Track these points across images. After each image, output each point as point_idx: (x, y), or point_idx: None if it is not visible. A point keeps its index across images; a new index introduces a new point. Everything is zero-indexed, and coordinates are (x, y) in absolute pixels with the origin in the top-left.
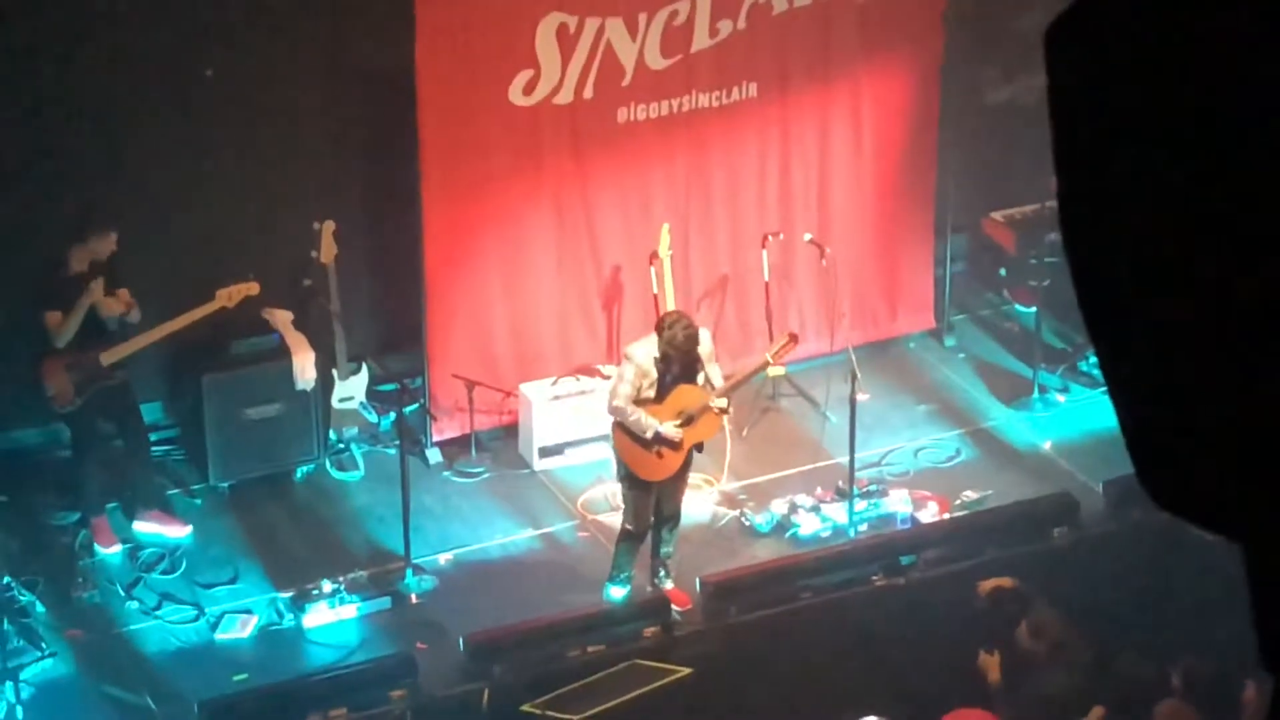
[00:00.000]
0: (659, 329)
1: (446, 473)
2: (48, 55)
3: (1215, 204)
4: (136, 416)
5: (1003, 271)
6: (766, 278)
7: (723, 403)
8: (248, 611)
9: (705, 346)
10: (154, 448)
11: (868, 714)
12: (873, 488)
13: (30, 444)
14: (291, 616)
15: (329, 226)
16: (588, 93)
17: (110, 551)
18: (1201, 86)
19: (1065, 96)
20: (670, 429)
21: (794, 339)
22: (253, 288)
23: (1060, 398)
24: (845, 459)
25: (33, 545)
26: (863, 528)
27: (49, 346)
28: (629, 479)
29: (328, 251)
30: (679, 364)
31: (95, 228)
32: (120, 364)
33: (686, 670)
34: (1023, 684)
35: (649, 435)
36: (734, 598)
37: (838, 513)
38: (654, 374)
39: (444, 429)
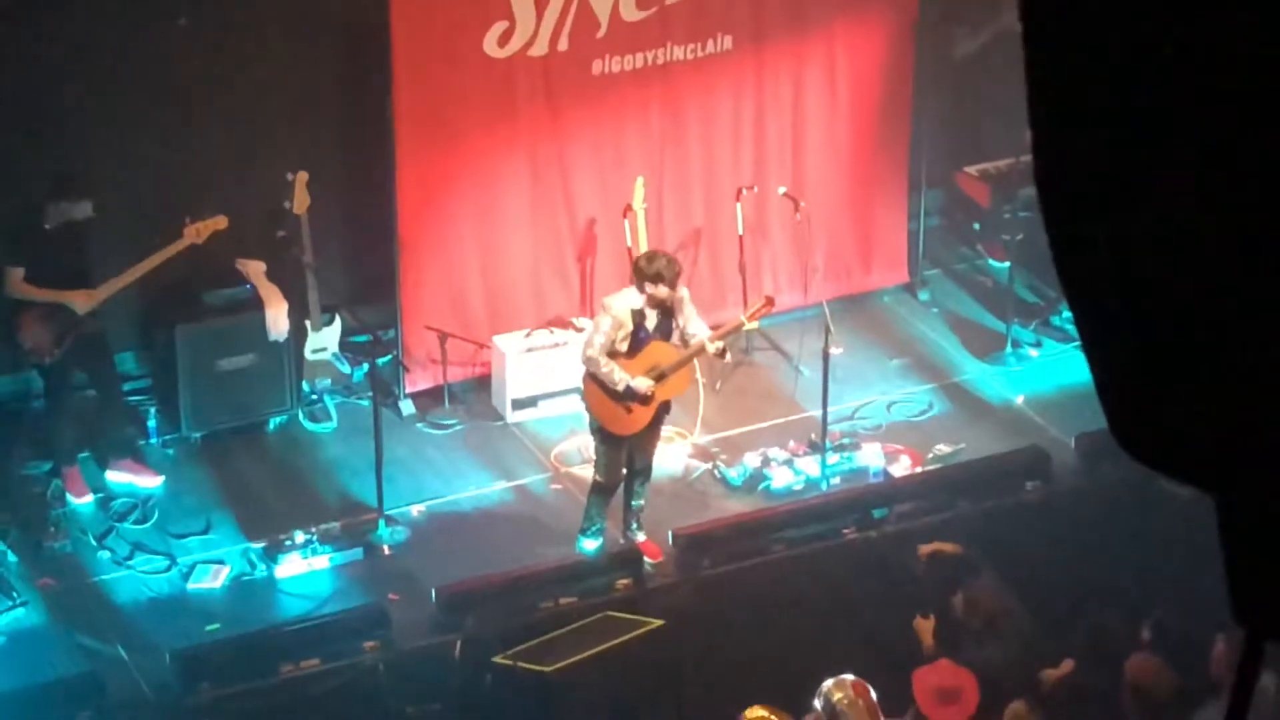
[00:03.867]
0: (641, 267)
1: (419, 424)
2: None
3: (1191, 154)
4: (109, 365)
5: (976, 226)
6: (741, 231)
7: (720, 345)
8: (220, 562)
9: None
10: (127, 398)
11: (839, 666)
12: (845, 441)
13: (0, 392)
14: (264, 567)
15: (302, 177)
16: (562, 45)
17: (82, 501)
18: (1174, 30)
19: (1038, 45)
20: (641, 383)
21: (770, 302)
22: (220, 222)
23: (1033, 352)
24: (818, 412)
25: (4, 494)
26: (835, 481)
27: (21, 299)
28: (600, 432)
29: (301, 202)
30: (656, 317)
31: (73, 195)
32: (94, 312)
33: (658, 622)
34: (954, 653)
35: (620, 389)
36: (706, 550)
37: (810, 466)
38: (629, 327)
39: (417, 380)
